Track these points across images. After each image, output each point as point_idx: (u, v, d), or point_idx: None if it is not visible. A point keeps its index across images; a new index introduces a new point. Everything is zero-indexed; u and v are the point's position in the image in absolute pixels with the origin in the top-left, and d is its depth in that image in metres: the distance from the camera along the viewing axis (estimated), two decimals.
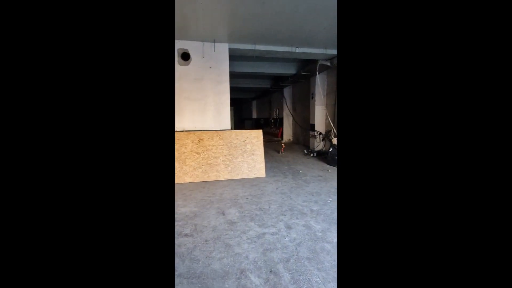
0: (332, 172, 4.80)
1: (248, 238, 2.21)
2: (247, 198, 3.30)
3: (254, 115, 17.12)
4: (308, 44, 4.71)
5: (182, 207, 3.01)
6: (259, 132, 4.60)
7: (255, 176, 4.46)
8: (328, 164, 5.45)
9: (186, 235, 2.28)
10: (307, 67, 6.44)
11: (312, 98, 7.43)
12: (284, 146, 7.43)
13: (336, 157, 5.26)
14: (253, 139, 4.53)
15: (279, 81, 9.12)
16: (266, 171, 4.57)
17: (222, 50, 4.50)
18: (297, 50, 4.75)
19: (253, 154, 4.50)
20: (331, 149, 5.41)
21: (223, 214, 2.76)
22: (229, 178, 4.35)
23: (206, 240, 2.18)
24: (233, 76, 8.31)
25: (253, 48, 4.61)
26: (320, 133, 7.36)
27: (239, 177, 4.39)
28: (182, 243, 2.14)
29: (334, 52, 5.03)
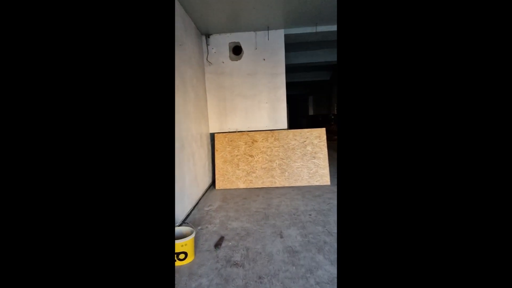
0: None
1: (317, 283, 1.57)
2: (310, 215, 2.64)
3: (311, 112, 15.95)
4: None
5: (234, 221, 2.60)
6: (322, 131, 3.83)
7: (317, 183, 3.73)
8: None
9: (236, 264, 1.81)
10: None
11: None
12: None
13: None
14: (315, 139, 3.80)
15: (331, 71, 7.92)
16: (330, 178, 3.78)
17: (277, 38, 3.92)
18: None
19: (314, 157, 3.77)
20: None
21: (281, 237, 2.20)
22: (286, 185, 3.76)
23: (260, 277, 1.66)
24: (287, 70, 7.66)
25: (314, 31, 3.86)
26: None
27: (297, 184, 3.75)
28: (230, 276, 1.68)
29: None
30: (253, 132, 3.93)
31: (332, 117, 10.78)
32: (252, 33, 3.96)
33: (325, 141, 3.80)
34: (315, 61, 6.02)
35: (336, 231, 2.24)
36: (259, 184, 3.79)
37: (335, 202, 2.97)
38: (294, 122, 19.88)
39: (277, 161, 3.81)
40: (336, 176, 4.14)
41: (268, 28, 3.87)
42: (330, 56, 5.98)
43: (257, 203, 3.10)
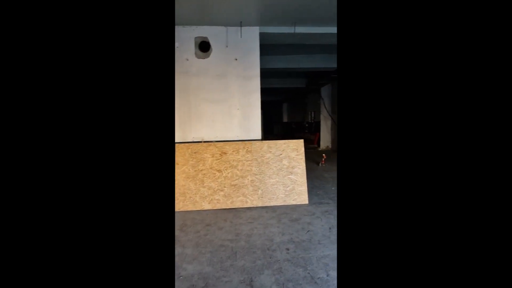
0: None
1: None
2: (287, 249, 2.15)
3: (285, 119, 15.89)
4: None
5: (191, 262, 1.99)
6: (299, 143, 3.43)
7: (294, 202, 3.29)
8: None
9: None
10: None
11: None
12: (325, 157, 6.11)
13: None
14: (291, 152, 3.37)
15: (317, 78, 7.80)
16: (308, 195, 3.37)
17: (251, 36, 3.46)
18: None
19: (291, 172, 3.34)
20: None
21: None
22: (260, 204, 3.25)
23: None
24: (262, 74, 7.28)
25: (292, 32, 3.48)
26: None
27: (272, 203, 3.26)
28: None
29: None
30: (222, 143, 3.36)
31: (306, 125, 10.70)
32: (223, 28, 3.44)
33: (303, 154, 3.40)
34: (292, 67, 5.72)
35: (321, 275, 1.77)
36: (227, 205, 3.22)
37: (315, 228, 2.54)
38: (269, 127, 19.73)
39: (249, 177, 3.29)
40: (313, 191, 3.76)
41: (241, 24, 3.39)
42: (307, 62, 5.72)
43: (224, 232, 2.52)
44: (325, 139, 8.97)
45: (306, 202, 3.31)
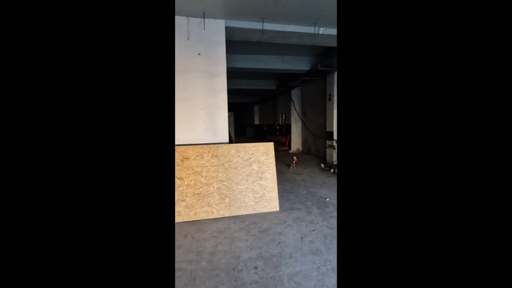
0: None
1: None
2: (255, 269, 1.88)
3: (257, 121, 15.80)
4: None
5: None
6: (269, 146, 3.22)
7: (264, 210, 3.06)
8: None
9: None
10: (326, 61, 5.10)
11: (330, 99, 6.09)
12: (296, 159, 6.05)
13: None
14: (261, 155, 3.15)
15: (287, 81, 7.80)
16: (279, 201, 3.17)
17: (216, 30, 3.17)
18: (322, 31, 3.41)
19: (261, 177, 3.10)
20: None
21: None
22: (227, 214, 2.94)
23: None
24: (232, 75, 7.01)
25: (261, 28, 3.28)
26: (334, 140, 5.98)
27: (241, 212, 2.99)
28: None
29: None
30: (183, 147, 2.98)
31: (277, 127, 10.69)
32: (183, 18, 3.08)
33: (273, 157, 3.19)
34: (262, 68, 5.55)
35: None
36: (190, 217, 2.84)
37: (286, 239, 2.33)
38: (241, 129, 19.46)
39: (215, 184, 2.97)
40: (284, 196, 3.58)
41: (204, 15, 3.07)
42: (278, 63, 5.61)
43: (183, 251, 2.16)
44: (296, 142, 9.02)
45: (277, 209, 3.10)
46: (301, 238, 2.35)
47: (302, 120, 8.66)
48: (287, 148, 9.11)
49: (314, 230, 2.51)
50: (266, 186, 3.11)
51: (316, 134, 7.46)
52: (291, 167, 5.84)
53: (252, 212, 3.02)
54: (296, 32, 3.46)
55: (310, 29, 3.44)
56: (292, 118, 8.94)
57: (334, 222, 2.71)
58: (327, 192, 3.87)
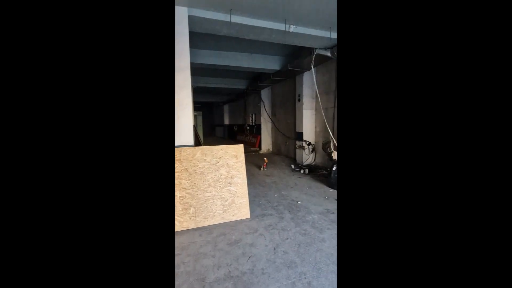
0: None
1: None
2: None
3: (226, 121, 15.41)
4: (309, 21, 3.30)
5: None
6: (239, 149, 2.99)
7: (234, 218, 2.81)
8: (330, 187, 4.06)
9: None
10: (296, 60, 5.07)
11: (299, 100, 6.11)
12: (266, 161, 5.92)
13: None
14: (230, 159, 2.89)
15: (257, 80, 7.65)
16: (250, 206, 2.96)
17: (178, 18, 2.81)
18: (292, 28, 3.29)
19: (230, 183, 2.85)
20: (334, 167, 4.04)
21: None
22: (192, 226, 2.62)
23: None
24: (199, 71, 6.59)
25: (228, 20, 3.02)
26: (310, 143, 6.05)
27: (208, 223, 2.69)
28: None
29: None
30: None
31: (247, 127, 10.51)
32: None
33: (243, 161, 2.97)
34: (230, 65, 5.28)
35: None
36: None
37: (258, 251, 2.12)
38: (211, 130, 18.80)
39: (178, 192, 2.62)
40: (255, 201, 3.39)
41: None
42: (247, 61, 5.40)
43: None
44: (266, 142, 8.95)
45: (248, 216, 2.88)
46: (274, 248, 2.17)
47: (272, 121, 8.62)
48: (257, 149, 8.98)
49: (287, 239, 2.35)
50: (236, 192, 2.87)
51: (286, 135, 7.46)
52: (261, 168, 5.69)
53: (220, 222, 2.75)
54: (265, 28, 3.28)
55: (280, 26, 3.29)
56: (262, 119, 8.84)
57: (307, 227, 2.60)
58: (298, 194, 3.79)
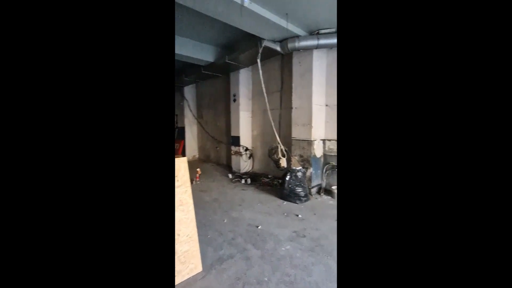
0: (313, 222, 2.91)
1: None
2: None
3: None
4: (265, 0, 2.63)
5: None
6: (180, 163, 1.92)
7: (180, 279, 1.72)
8: (283, 199, 3.57)
9: None
10: (234, 54, 4.33)
11: (235, 101, 5.41)
12: (199, 172, 4.82)
13: (298, 189, 3.47)
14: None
15: (182, 73, 6.33)
16: (203, 255, 1.94)
17: None
18: (247, 2, 2.52)
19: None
20: (288, 176, 3.57)
21: None
22: None
23: None
24: None
25: None
26: (247, 149, 5.46)
27: None
28: None
29: (298, 30, 3.28)
30: None
31: None
32: None
33: (188, 182, 1.92)
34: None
35: None
36: None
37: None
38: None
39: None
40: (200, 235, 2.35)
41: None
42: (177, 47, 4.13)
43: None
44: (192, 148, 7.68)
45: (200, 268, 1.86)
46: None
47: (198, 122, 7.47)
48: (180, 156, 7.54)
49: None
50: (179, 233, 1.79)
51: (218, 139, 6.57)
52: (194, 181, 4.56)
53: None
54: None
55: None
56: (186, 120, 7.51)
57: (288, 269, 1.89)
58: (252, 214, 3.05)
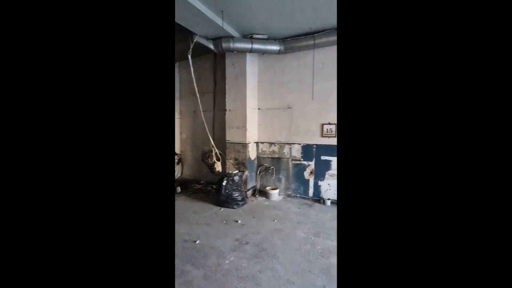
0: (253, 226, 2.86)
1: None
2: None
3: None
4: None
5: None
6: None
7: None
8: (220, 205, 3.39)
9: None
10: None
11: None
12: None
13: (236, 193, 3.37)
14: None
15: None
16: None
17: None
18: None
19: None
20: (225, 181, 3.41)
21: None
22: None
23: None
24: None
25: None
26: (176, 154, 4.93)
27: None
28: None
29: (232, 30, 3.13)
30: None
31: None
32: None
33: None
34: None
35: None
36: None
37: None
38: None
39: None
40: None
41: None
42: None
43: None
44: None
45: None
46: None
47: None
48: None
49: None
50: None
51: None
52: None
53: None
54: None
55: None
56: None
57: (239, 285, 1.75)
58: (188, 227, 2.71)
